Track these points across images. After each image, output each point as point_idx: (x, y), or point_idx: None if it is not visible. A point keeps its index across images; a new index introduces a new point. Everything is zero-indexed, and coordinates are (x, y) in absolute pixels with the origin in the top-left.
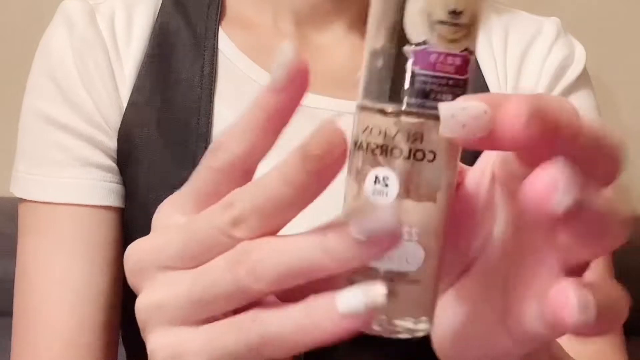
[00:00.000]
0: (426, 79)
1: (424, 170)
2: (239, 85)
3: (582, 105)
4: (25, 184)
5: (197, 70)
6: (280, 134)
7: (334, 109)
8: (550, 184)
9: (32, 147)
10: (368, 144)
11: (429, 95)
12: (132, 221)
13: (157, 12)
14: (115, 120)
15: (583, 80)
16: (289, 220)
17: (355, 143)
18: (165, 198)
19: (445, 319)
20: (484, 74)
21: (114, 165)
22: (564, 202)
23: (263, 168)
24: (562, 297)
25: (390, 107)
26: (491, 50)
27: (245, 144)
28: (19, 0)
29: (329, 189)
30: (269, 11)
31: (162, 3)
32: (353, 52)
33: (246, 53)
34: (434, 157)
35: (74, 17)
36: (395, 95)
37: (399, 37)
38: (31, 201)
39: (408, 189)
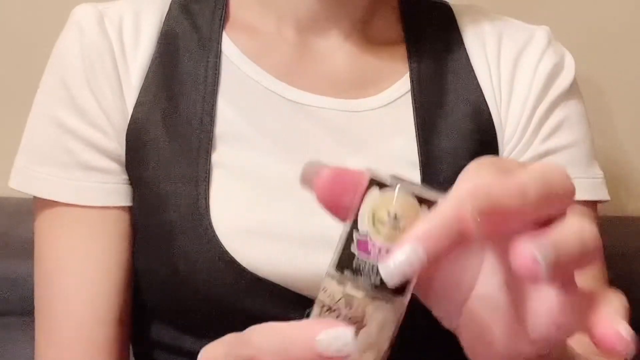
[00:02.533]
0: (361, 262)
1: (358, 334)
2: (242, 85)
3: (572, 114)
4: (29, 180)
5: (202, 71)
6: None
7: (330, 107)
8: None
9: (39, 145)
10: (321, 301)
11: (361, 274)
12: (141, 216)
13: (164, 17)
14: (120, 122)
15: (573, 89)
16: None
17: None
18: (171, 191)
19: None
20: (477, 77)
21: (116, 166)
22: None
23: (266, 162)
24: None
25: (336, 275)
26: (485, 55)
27: None
28: (21, 1)
29: None
30: (272, 18)
31: (169, 9)
32: (350, 57)
33: (249, 56)
34: (366, 325)
35: (83, 23)
36: (339, 266)
37: (354, 222)
38: (41, 198)
39: None
